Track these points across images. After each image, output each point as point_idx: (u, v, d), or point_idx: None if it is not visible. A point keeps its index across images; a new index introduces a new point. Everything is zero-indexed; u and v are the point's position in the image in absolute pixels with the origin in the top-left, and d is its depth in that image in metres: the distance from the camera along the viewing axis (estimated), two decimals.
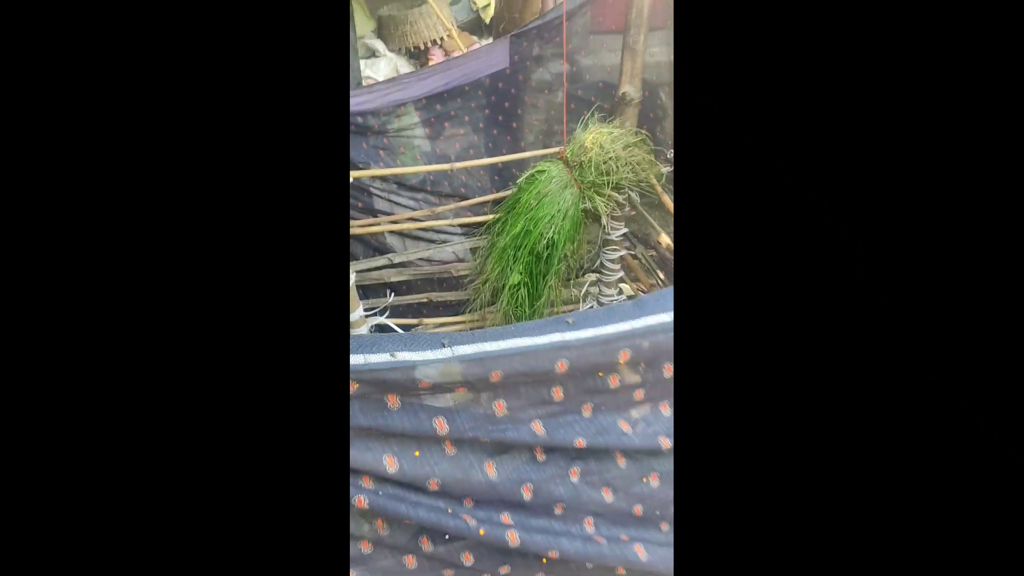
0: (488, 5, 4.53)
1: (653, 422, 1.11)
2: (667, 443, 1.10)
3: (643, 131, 2.53)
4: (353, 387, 0.90)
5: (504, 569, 1.12)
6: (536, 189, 2.49)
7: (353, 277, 2.11)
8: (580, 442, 1.06)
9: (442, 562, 1.08)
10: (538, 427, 1.04)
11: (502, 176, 2.72)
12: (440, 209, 2.61)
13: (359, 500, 0.93)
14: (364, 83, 3.75)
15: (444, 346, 0.95)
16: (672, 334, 1.01)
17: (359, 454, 0.93)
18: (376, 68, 4.27)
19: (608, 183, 2.40)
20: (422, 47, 4.51)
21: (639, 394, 1.10)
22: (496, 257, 2.55)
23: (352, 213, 2.59)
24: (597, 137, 2.42)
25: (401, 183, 2.67)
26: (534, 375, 1.00)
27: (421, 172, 2.61)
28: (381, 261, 2.59)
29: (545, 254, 2.48)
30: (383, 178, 2.61)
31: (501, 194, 2.63)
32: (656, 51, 2.56)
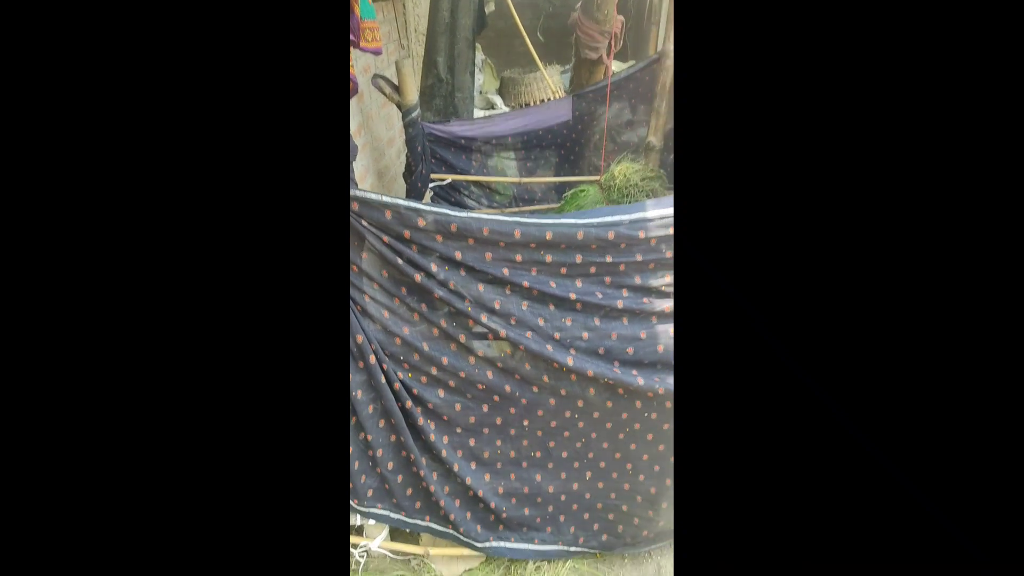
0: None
1: (570, 287, 2.08)
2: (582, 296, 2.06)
3: (661, 170, 3.52)
4: (420, 222, 1.95)
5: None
6: (576, 203, 3.52)
7: None
8: (526, 283, 2.05)
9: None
10: (506, 271, 2.04)
11: (560, 192, 3.79)
12: (508, 210, 3.70)
13: (432, 292, 2.00)
14: None
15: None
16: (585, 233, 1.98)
17: (424, 260, 1.99)
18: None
19: (627, 201, 3.40)
20: (532, 104, 5.71)
21: (564, 270, 2.08)
22: None
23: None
24: (623, 169, 3.44)
25: (491, 190, 3.80)
26: (503, 236, 2.00)
27: (503, 182, 3.73)
28: None
29: None
30: (476, 183, 3.75)
31: (552, 205, 3.69)
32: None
